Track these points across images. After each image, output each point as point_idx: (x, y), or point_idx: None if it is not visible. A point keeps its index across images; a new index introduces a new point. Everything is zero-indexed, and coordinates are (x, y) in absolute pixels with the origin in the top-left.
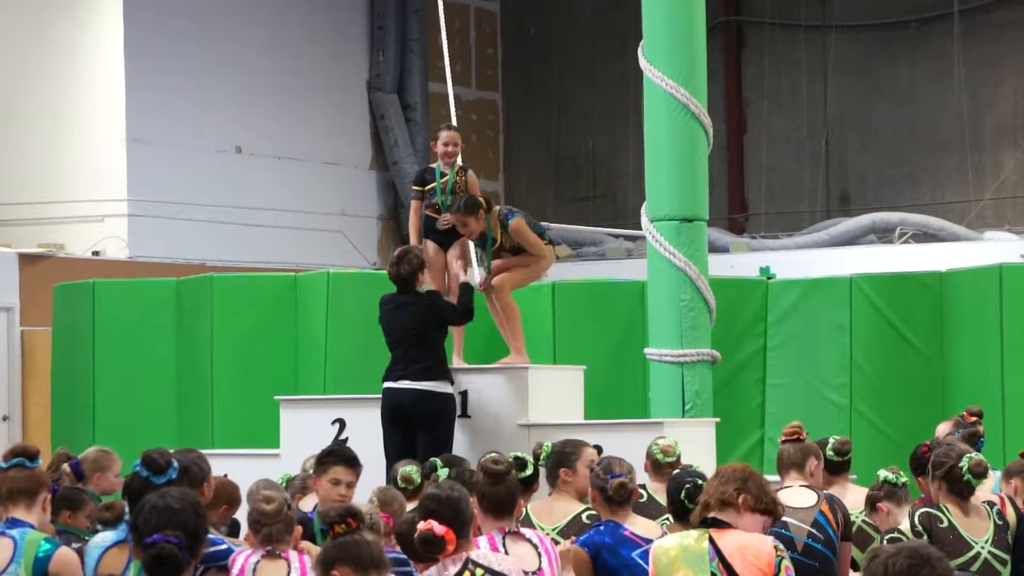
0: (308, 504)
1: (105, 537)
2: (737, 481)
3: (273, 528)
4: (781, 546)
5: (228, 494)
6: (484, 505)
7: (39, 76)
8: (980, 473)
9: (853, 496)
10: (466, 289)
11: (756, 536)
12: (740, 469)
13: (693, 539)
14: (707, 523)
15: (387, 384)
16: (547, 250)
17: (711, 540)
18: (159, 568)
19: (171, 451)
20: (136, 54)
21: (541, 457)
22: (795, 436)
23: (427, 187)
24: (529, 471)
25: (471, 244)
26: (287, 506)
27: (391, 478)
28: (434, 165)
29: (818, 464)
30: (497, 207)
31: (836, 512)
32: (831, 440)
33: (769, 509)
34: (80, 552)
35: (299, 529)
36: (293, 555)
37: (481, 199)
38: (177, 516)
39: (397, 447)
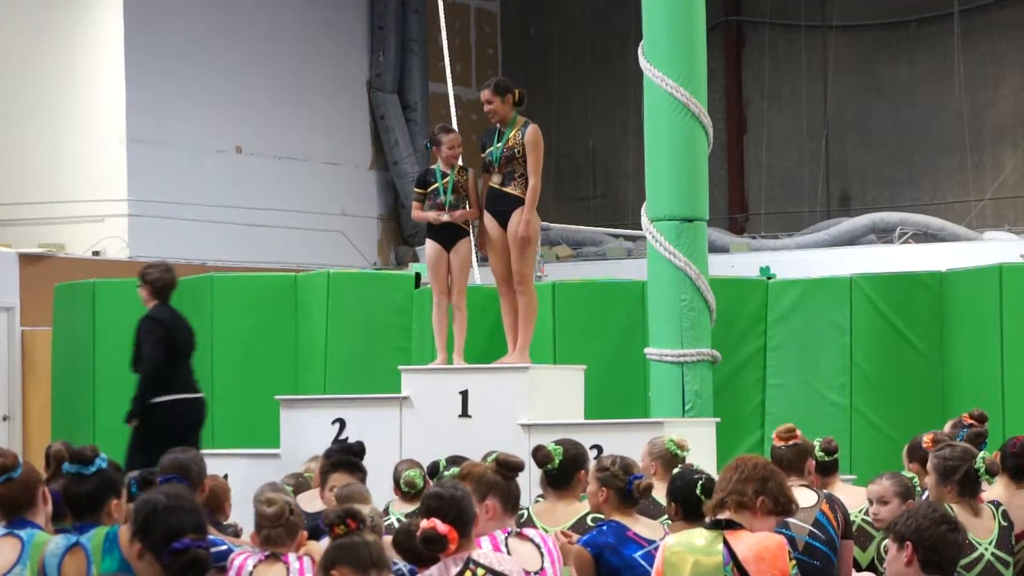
0: (306, 502)
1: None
2: (757, 481)
3: (273, 531)
4: (791, 551)
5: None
6: (506, 501)
7: (39, 76)
8: (996, 472)
9: (850, 495)
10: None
11: (770, 539)
12: (761, 466)
13: (705, 541)
14: (720, 525)
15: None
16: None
17: (725, 543)
18: (188, 574)
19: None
20: (136, 54)
21: (554, 462)
22: (790, 439)
23: (429, 189)
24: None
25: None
26: (290, 509)
27: (393, 479)
28: (434, 166)
29: (813, 463)
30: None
31: (836, 512)
32: (816, 442)
33: (786, 508)
34: None
35: (304, 533)
36: (292, 558)
37: (517, 91)
38: (192, 518)
39: None
